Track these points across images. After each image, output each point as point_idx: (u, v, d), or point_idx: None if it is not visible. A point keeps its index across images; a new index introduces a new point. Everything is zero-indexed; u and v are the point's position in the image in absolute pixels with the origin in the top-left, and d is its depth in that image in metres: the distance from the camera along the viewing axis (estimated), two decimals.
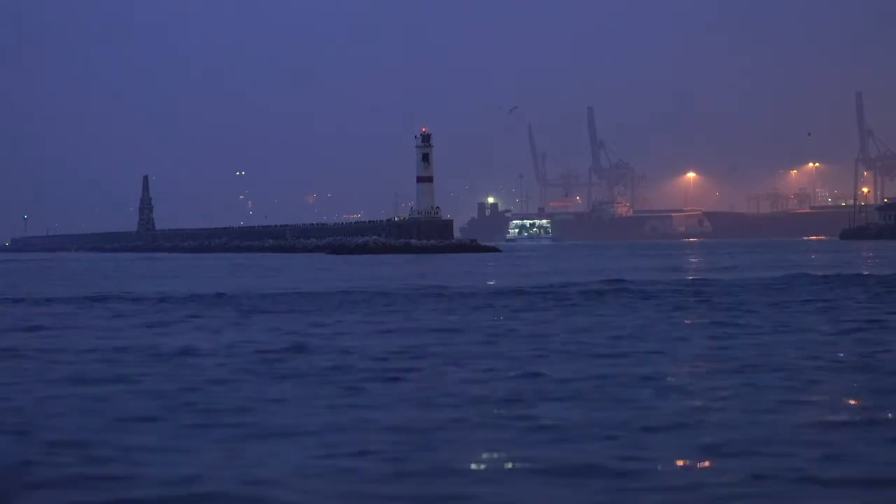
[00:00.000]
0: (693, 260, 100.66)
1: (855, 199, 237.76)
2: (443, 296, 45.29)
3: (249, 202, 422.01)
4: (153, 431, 15.03)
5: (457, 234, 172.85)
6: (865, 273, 60.15)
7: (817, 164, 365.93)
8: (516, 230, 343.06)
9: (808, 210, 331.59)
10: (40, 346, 26.61)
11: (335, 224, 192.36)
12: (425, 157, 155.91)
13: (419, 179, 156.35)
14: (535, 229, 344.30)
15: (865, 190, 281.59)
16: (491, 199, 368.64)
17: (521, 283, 54.92)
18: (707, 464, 12.66)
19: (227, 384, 19.43)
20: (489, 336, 27.63)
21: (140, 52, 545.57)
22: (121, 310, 40.23)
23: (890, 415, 15.69)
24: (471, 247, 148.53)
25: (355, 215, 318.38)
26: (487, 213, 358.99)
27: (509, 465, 12.75)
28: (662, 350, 23.83)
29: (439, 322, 32.48)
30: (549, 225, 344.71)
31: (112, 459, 13.25)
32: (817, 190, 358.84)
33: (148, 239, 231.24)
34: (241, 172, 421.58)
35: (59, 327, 32.89)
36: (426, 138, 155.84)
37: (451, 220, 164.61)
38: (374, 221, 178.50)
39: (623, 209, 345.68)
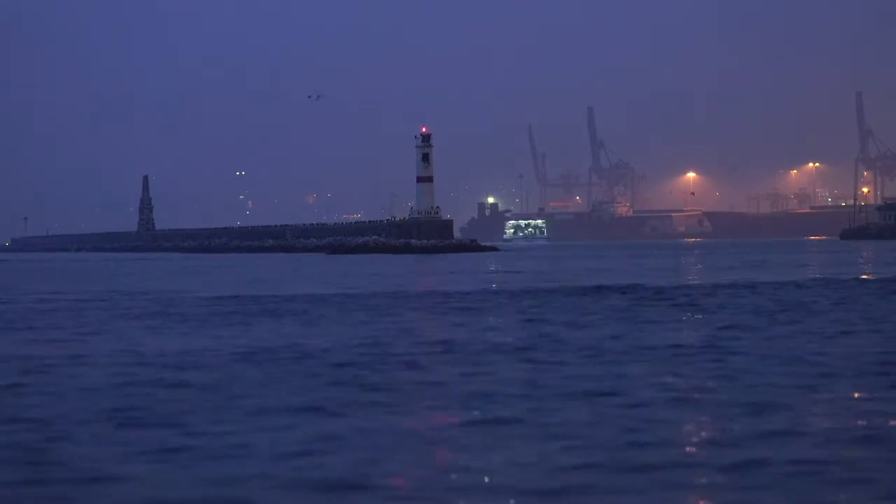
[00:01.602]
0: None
1: (855, 199, 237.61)
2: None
3: (249, 202, 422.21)
4: None
5: (457, 234, 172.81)
6: None
7: (817, 164, 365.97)
8: (512, 230, 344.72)
9: (808, 210, 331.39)
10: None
11: (335, 224, 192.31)
12: (425, 157, 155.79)
13: (419, 179, 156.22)
14: (530, 230, 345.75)
15: (865, 190, 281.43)
16: (491, 199, 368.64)
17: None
18: None
19: None
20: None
21: (140, 51, 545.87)
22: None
23: None
24: (471, 247, 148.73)
25: (355, 215, 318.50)
26: (487, 213, 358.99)
27: None
28: None
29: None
30: (544, 225, 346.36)
31: None
32: (817, 190, 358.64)
33: (148, 239, 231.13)
34: (241, 172, 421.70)
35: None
36: (426, 138, 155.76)
37: (451, 220, 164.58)
38: (374, 221, 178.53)
39: (623, 209, 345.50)
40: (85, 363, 23.33)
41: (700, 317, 33.42)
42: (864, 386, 18.49)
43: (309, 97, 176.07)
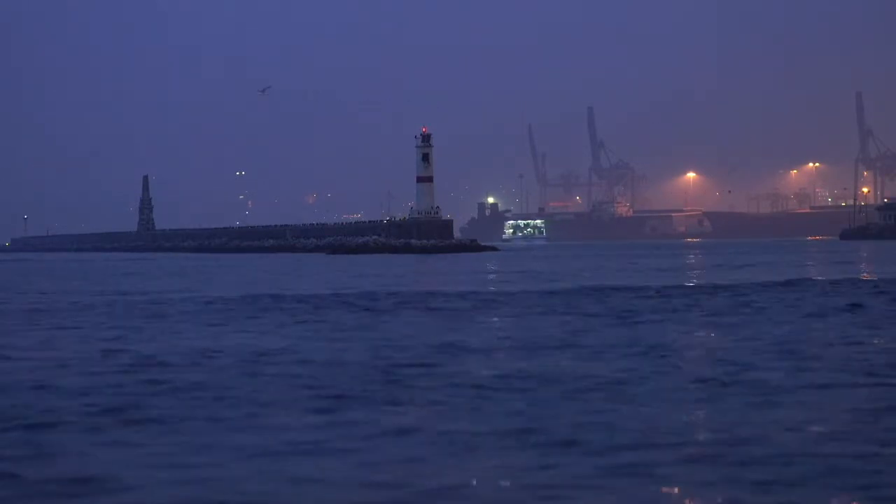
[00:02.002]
0: None
1: (855, 199, 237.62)
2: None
3: (249, 202, 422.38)
4: None
5: (457, 234, 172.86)
6: None
7: (817, 164, 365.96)
8: (511, 230, 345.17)
9: (808, 210, 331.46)
10: None
11: (335, 224, 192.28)
12: (425, 157, 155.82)
13: (419, 179, 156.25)
14: (528, 230, 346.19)
15: (865, 190, 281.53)
16: (491, 199, 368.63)
17: None
18: None
19: None
20: None
21: (141, 51, 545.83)
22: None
23: None
24: (471, 247, 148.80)
25: (355, 215, 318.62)
26: (487, 213, 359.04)
27: None
28: None
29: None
30: (542, 225, 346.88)
31: None
32: (817, 190, 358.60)
33: (148, 239, 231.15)
34: (241, 172, 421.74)
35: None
36: (426, 138, 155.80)
37: (451, 220, 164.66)
38: (373, 221, 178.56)
39: (623, 209, 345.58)
40: (89, 362, 23.31)
41: (704, 316, 33.41)
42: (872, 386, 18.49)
43: (260, 91, 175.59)
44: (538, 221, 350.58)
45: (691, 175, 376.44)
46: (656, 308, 36.74)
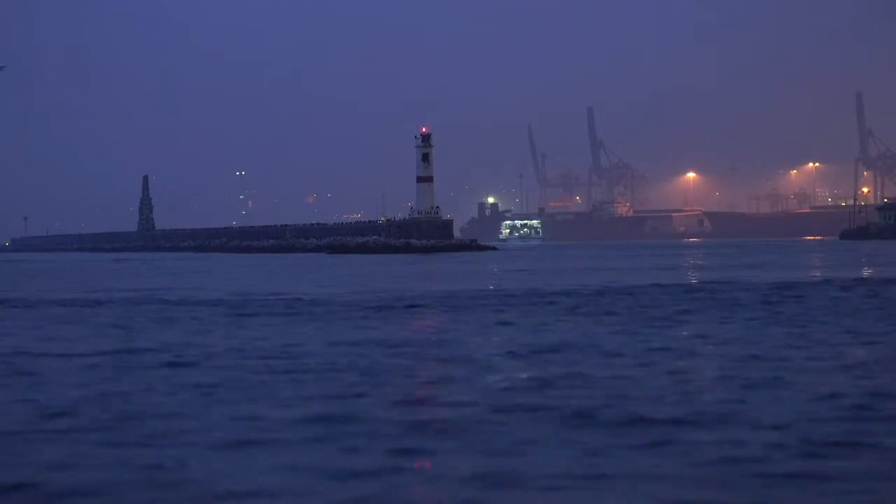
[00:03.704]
0: None
1: (855, 199, 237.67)
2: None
3: (249, 202, 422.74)
4: None
5: (457, 233, 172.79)
6: None
7: (817, 164, 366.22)
8: (508, 230, 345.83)
9: (808, 210, 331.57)
10: None
11: (335, 224, 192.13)
12: (425, 157, 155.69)
13: (419, 179, 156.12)
14: (525, 230, 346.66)
15: (865, 190, 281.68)
16: (491, 199, 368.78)
17: None
18: None
19: None
20: None
21: (140, 52, 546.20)
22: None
23: None
24: (471, 246, 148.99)
25: (355, 215, 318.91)
26: (487, 213, 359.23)
27: None
28: None
29: None
30: (539, 225, 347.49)
31: None
32: (817, 190, 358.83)
33: (148, 239, 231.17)
34: (241, 172, 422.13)
35: None
36: (426, 138, 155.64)
37: (451, 220, 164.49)
38: (373, 221, 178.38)
39: (623, 209, 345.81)
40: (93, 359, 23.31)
41: (703, 314, 33.43)
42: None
43: None
44: (534, 221, 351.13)
45: (691, 175, 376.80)
46: (662, 304, 36.71)
